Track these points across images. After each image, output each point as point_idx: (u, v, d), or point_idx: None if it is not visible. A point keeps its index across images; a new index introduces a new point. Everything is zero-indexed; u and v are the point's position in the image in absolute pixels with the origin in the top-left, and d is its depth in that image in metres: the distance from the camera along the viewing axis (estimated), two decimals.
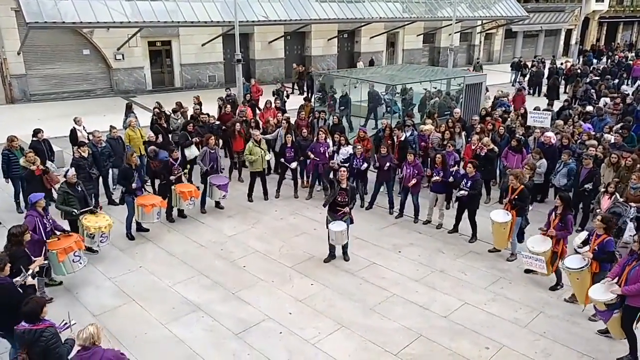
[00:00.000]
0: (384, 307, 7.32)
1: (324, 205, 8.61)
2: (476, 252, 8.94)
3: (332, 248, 8.57)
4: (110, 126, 11.69)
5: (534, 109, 13.35)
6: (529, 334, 6.77)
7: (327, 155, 10.99)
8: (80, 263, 7.47)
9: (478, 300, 7.51)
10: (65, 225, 8.07)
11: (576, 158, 10.18)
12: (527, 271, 8.14)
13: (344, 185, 8.40)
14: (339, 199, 8.39)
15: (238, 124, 12.17)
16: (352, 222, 8.58)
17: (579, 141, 11.24)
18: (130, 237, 9.28)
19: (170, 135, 12.57)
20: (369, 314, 7.18)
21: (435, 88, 15.79)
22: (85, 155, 9.94)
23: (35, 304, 4.88)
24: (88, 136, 11.22)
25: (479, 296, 7.62)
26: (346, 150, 10.88)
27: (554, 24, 39.19)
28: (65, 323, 5.10)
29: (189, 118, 13.07)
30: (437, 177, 9.60)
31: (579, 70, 24.13)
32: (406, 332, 6.76)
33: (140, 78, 23.09)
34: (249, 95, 16.68)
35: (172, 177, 9.72)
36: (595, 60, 32.46)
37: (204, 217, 10.30)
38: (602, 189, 8.84)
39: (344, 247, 8.64)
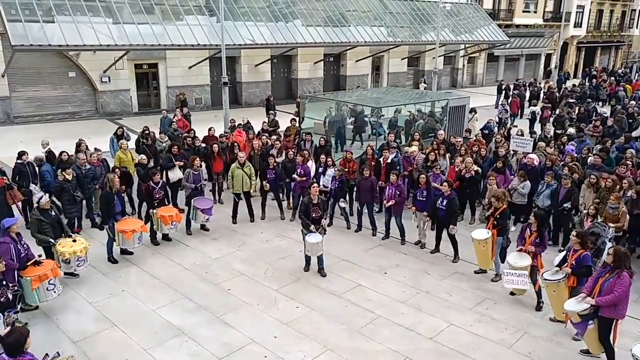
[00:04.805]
0: (369, 330, 7.28)
1: (305, 228, 8.76)
2: (461, 273, 8.98)
3: (308, 258, 8.87)
4: (95, 148, 11.62)
5: (517, 134, 13.56)
6: (515, 354, 6.78)
7: (305, 177, 11.03)
8: (54, 292, 7.27)
9: (464, 321, 7.52)
10: (40, 251, 7.95)
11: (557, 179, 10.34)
12: (513, 293, 8.19)
13: (315, 201, 8.66)
14: (314, 215, 8.66)
15: (216, 145, 12.18)
16: (324, 232, 8.87)
17: (562, 163, 11.43)
18: (113, 261, 9.15)
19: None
20: (355, 336, 7.13)
21: (419, 110, 16.03)
22: (70, 178, 9.86)
23: (19, 335, 4.72)
24: (61, 156, 10.93)
25: (465, 317, 7.63)
26: (332, 172, 10.93)
27: (534, 49, 40.26)
28: (47, 355, 4.95)
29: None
30: (422, 198, 9.69)
31: (557, 93, 24.83)
32: (392, 355, 6.72)
33: (126, 100, 23.05)
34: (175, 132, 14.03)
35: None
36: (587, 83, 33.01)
37: (188, 240, 10.21)
38: (585, 211, 8.99)
39: (320, 263, 8.79)
